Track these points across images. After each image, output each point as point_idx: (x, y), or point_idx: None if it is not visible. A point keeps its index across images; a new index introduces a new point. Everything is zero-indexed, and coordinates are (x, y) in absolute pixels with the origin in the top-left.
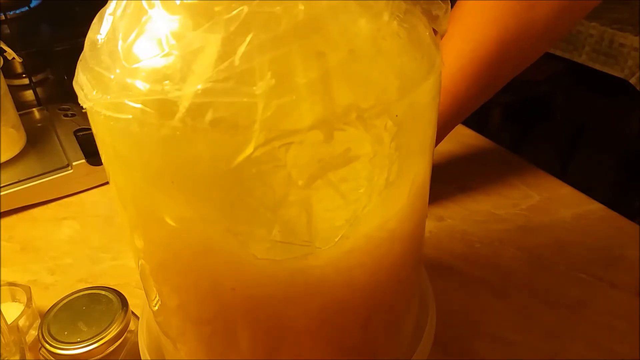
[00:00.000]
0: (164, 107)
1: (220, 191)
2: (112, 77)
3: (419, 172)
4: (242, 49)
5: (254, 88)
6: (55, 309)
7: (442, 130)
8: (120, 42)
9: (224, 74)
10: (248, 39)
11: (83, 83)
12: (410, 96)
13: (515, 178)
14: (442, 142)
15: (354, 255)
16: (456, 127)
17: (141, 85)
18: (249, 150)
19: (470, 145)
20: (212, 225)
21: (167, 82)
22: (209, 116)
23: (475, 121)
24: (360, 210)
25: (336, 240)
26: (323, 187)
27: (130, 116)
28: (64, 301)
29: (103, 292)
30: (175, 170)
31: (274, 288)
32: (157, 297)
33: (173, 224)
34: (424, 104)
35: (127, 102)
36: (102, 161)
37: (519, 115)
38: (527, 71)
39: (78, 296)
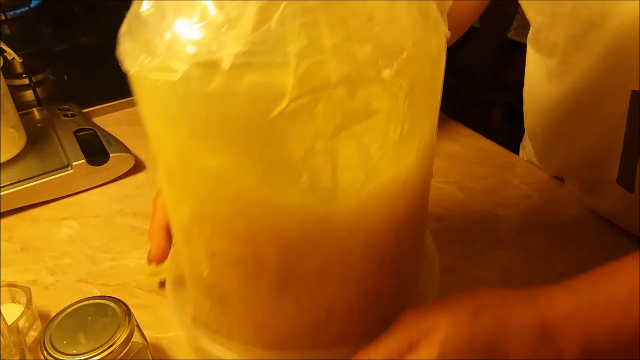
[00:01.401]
0: (209, 68)
1: (257, 142)
2: (159, 43)
3: (426, 130)
4: (277, 15)
5: (288, 49)
6: (62, 315)
7: None
8: (165, 12)
9: (262, 36)
10: (282, 7)
11: (129, 51)
12: (421, 60)
13: (515, 178)
14: (442, 142)
15: (371, 203)
16: (456, 127)
17: (187, 48)
18: (283, 104)
19: (470, 145)
20: (249, 174)
21: (211, 44)
22: (248, 74)
23: (475, 121)
24: (378, 161)
25: (356, 188)
26: (346, 139)
27: (178, 77)
28: (72, 307)
29: (111, 304)
30: (218, 124)
31: (301, 232)
32: (195, 246)
33: (214, 174)
34: (432, 68)
35: (174, 64)
36: (145, 125)
37: (519, 115)
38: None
39: (87, 304)
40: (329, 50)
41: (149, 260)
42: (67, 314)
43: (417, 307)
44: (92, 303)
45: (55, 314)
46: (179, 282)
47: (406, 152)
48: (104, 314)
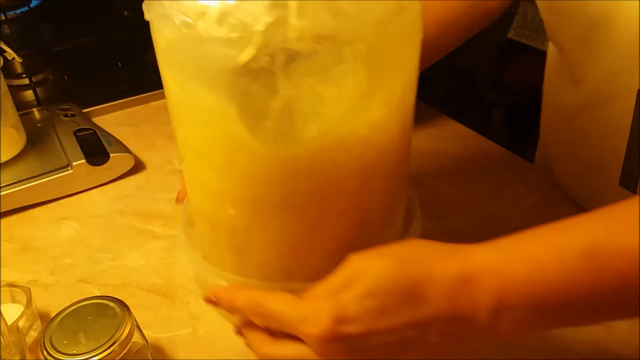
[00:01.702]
0: (198, 17)
1: (231, 85)
2: None
3: (394, 93)
4: None
5: (259, 4)
6: (62, 315)
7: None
8: None
9: None
10: None
11: (148, 4)
12: (382, 26)
13: (515, 178)
14: (443, 142)
15: (330, 152)
16: (456, 127)
17: (184, 1)
18: (252, 52)
19: (471, 145)
20: (227, 114)
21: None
22: (227, 23)
23: (476, 121)
24: (333, 114)
25: (313, 136)
26: (304, 89)
27: (174, 24)
28: (72, 307)
29: (111, 304)
30: (203, 68)
31: (265, 173)
32: (191, 180)
33: (203, 114)
34: (396, 35)
35: (173, 13)
36: (160, 72)
37: (520, 116)
38: (528, 72)
39: (87, 304)
40: (294, 9)
41: (177, 200)
42: (67, 314)
43: (361, 252)
44: (92, 303)
45: (55, 314)
46: (190, 224)
47: (367, 109)
48: (104, 313)
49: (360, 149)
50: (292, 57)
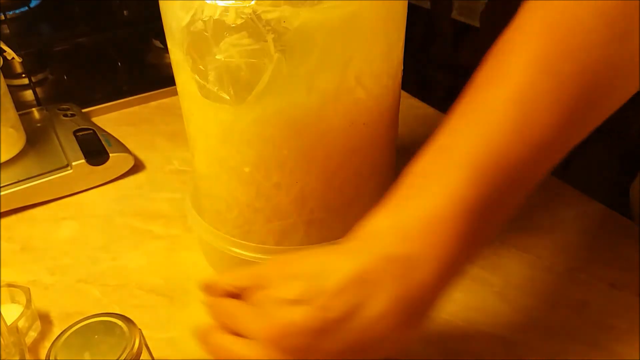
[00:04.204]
0: None
1: (184, 40)
2: None
3: (327, 81)
4: None
5: None
6: (68, 332)
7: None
8: None
9: None
10: None
11: None
12: (301, 11)
13: None
14: None
15: (268, 120)
16: None
17: None
18: (190, 16)
19: None
20: (187, 70)
21: None
22: None
23: None
24: (259, 87)
25: (250, 102)
26: (234, 57)
27: None
28: (79, 324)
29: (120, 323)
30: (172, 28)
31: (216, 129)
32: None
33: (174, 70)
34: (328, 31)
35: None
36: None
37: None
38: None
39: (93, 322)
40: None
41: None
42: (73, 332)
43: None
44: (100, 321)
45: (54, 314)
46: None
47: (292, 90)
48: (112, 332)
49: (291, 129)
50: (218, 24)
